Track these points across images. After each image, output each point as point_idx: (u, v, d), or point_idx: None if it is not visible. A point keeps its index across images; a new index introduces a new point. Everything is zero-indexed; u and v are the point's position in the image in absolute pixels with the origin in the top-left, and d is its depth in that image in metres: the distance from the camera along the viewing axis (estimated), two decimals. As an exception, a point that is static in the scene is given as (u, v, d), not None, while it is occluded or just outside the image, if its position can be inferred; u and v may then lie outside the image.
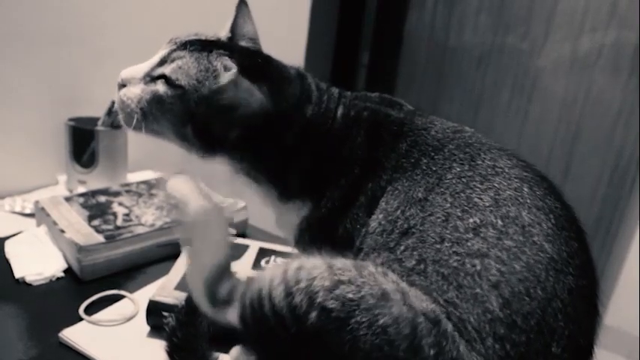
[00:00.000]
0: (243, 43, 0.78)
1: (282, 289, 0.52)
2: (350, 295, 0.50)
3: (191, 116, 0.69)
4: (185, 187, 0.61)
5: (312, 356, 0.52)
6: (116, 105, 0.72)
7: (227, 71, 0.68)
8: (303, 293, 0.51)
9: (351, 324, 0.49)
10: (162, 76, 0.69)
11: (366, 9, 2.50)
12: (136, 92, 0.70)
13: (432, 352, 0.50)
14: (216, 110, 0.68)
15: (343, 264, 0.54)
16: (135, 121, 0.70)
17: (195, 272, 0.62)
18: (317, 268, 0.52)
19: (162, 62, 0.71)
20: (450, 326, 0.52)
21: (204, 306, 0.62)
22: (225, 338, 0.76)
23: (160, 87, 0.69)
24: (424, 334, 0.50)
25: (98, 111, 1.21)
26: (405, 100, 0.77)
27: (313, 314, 0.50)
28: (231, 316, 0.58)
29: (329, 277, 0.51)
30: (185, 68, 0.68)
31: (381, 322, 0.49)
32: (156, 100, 0.69)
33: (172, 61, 0.70)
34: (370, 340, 0.49)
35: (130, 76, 0.71)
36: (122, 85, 0.72)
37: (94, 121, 1.21)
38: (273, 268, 0.55)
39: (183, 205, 0.60)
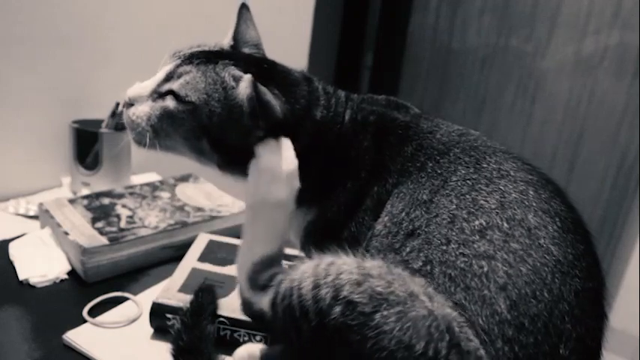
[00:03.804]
0: (246, 50, 0.78)
1: (311, 281, 0.53)
2: (379, 289, 0.50)
3: (204, 130, 0.68)
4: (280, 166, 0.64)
5: (330, 354, 0.52)
6: (126, 124, 0.72)
7: (236, 81, 0.67)
8: (330, 286, 0.51)
9: (376, 319, 0.49)
10: (171, 92, 0.69)
11: (370, 10, 2.50)
12: (144, 110, 0.70)
13: (471, 349, 0.49)
14: (233, 120, 0.68)
15: (373, 263, 0.54)
16: (148, 139, 0.70)
17: (246, 255, 0.64)
18: (347, 264, 0.53)
19: (169, 78, 0.70)
20: (471, 332, 0.52)
21: (243, 287, 0.64)
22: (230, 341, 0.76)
23: (170, 103, 0.68)
24: (461, 332, 0.50)
25: (102, 113, 1.22)
26: (408, 102, 0.77)
27: (337, 309, 0.50)
28: (264, 301, 0.59)
29: (357, 272, 0.52)
30: (193, 83, 0.68)
31: (411, 315, 0.49)
32: (166, 116, 0.69)
33: (179, 76, 0.69)
34: (398, 337, 0.48)
35: (136, 94, 0.71)
36: (129, 104, 0.71)
37: (98, 123, 1.21)
38: (309, 261, 0.56)
39: (270, 184, 0.63)
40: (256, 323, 0.65)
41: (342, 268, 0.52)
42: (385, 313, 0.49)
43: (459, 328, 0.51)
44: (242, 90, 0.66)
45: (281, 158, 0.65)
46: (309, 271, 0.54)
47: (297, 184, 0.66)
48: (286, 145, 0.66)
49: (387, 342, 0.48)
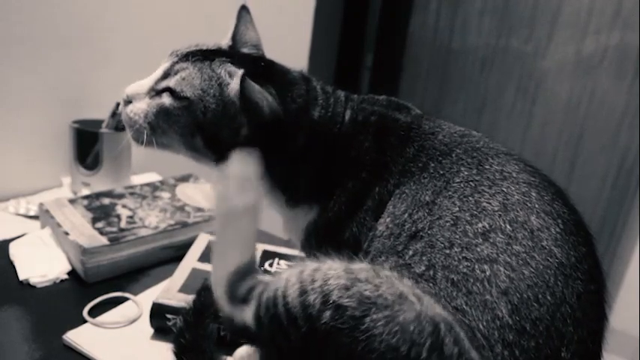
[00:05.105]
0: (245, 50, 0.78)
1: (297, 287, 0.52)
2: (367, 293, 0.50)
3: (198, 126, 0.69)
4: (245, 172, 0.60)
5: (321, 357, 0.52)
6: (124, 122, 0.72)
7: (232, 77, 0.68)
8: (318, 292, 0.50)
9: (366, 322, 0.48)
10: (167, 89, 0.69)
11: (370, 11, 2.50)
12: (142, 107, 0.70)
13: (454, 353, 0.49)
14: (227, 117, 0.68)
15: (360, 266, 0.54)
16: (145, 136, 0.70)
17: (220, 268, 0.62)
18: (333, 269, 0.52)
19: (166, 75, 0.71)
20: (462, 333, 0.51)
21: (222, 302, 0.62)
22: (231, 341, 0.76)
23: (166, 99, 0.69)
24: (446, 336, 0.50)
25: (102, 113, 1.22)
26: (409, 102, 0.77)
27: (327, 313, 0.49)
28: (247, 314, 0.58)
29: (345, 276, 0.51)
30: (189, 79, 0.69)
31: (399, 319, 0.49)
32: (162, 112, 0.69)
33: (176, 73, 0.70)
34: (387, 340, 0.48)
35: (134, 92, 0.71)
36: (128, 102, 0.72)
37: (98, 123, 1.21)
38: (291, 269, 0.55)
39: (237, 191, 0.59)
40: (239, 337, 0.63)
41: (328, 273, 0.52)
42: (374, 316, 0.49)
43: (446, 329, 0.50)
44: (233, 86, 0.67)
45: (236, 165, 0.61)
46: (294, 279, 0.53)
47: (259, 188, 0.63)
48: (239, 154, 0.62)
49: (377, 344, 0.48)
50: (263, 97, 0.66)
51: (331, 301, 0.50)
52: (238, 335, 0.65)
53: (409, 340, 0.48)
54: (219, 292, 0.62)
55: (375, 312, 0.49)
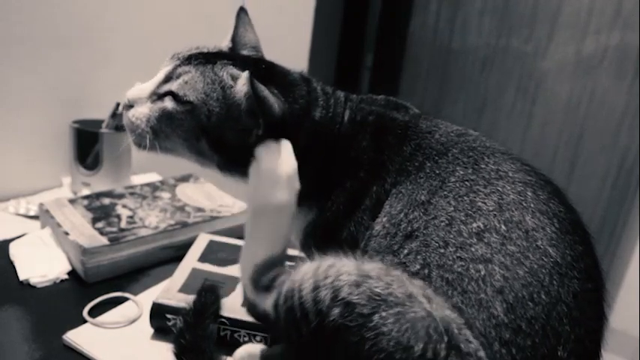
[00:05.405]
0: (245, 52, 0.78)
1: (311, 283, 0.53)
2: (377, 290, 0.50)
3: (203, 130, 0.68)
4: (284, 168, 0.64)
5: (329, 355, 0.52)
6: (125, 127, 0.72)
7: (234, 80, 0.67)
8: (329, 288, 0.51)
9: (374, 320, 0.49)
10: (170, 93, 0.69)
11: (370, 11, 2.50)
12: (144, 112, 0.70)
13: (471, 352, 0.49)
14: (231, 120, 0.68)
15: (373, 264, 0.55)
16: (148, 141, 0.70)
17: (249, 257, 0.64)
18: (346, 266, 0.53)
19: (168, 79, 0.70)
20: (469, 333, 0.52)
21: (247, 289, 0.64)
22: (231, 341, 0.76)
23: (168, 103, 0.68)
24: (460, 335, 0.50)
25: (102, 113, 1.22)
26: (408, 103, 0.77)
27: (336, 310, 0.50)
28: (268, 302, 0.59)
29: (356, 273, 0.52)
30: (192, 83, 0.68)
31: (409, 316, 0.49)
32: (165, 116, 0.69)
33: (178, 76, 0.69)
34: (396, 337, 0.48)
35: (136, 96, 0.71)
36: (129, 107, 0.71)
37: (98, 123, 1.22)
38: (309, 263, 0.57)
39: (274, 188, 0.63)
40: (261, 324, 0.65)
41: (341, 270, 0.53)
42: (384, 314, 0.49)
43: (457, 330, 0.50)
44: (240, 87, 0.67)
45: (281, 161, 0.64)
46: (310, 273, 0.54)
47: (297, 185, 0.66)
48: (286, 147, 0.66)
49: (385, 343, 0.48)
50: (271, 96, 0.66)
51: (340, 298, 0.50)
52: (259, 320, 0.67)
53: (424, 338, 0.48)
54: (245, 279, 0.65)
55: (385, 309, 0.49)
